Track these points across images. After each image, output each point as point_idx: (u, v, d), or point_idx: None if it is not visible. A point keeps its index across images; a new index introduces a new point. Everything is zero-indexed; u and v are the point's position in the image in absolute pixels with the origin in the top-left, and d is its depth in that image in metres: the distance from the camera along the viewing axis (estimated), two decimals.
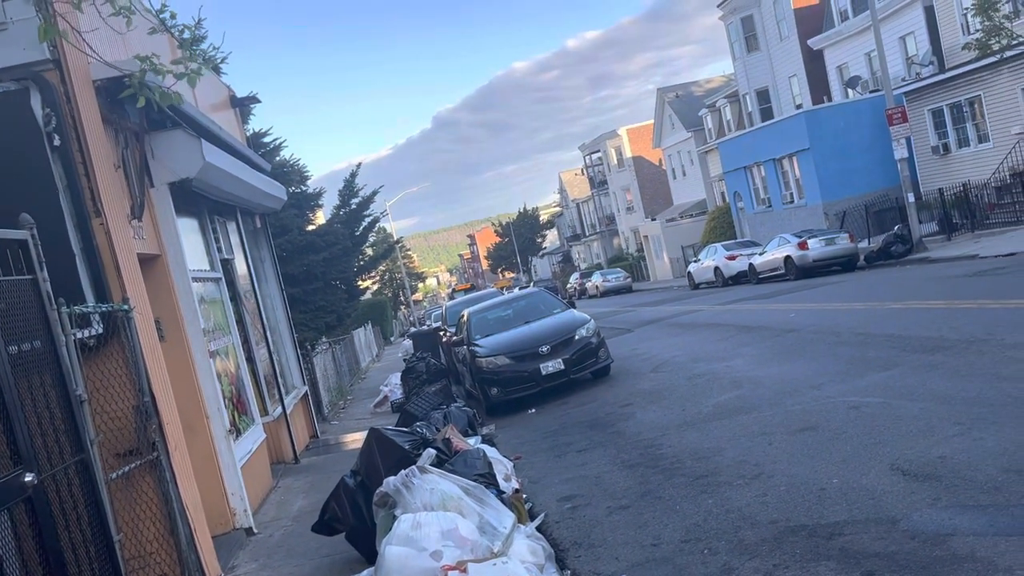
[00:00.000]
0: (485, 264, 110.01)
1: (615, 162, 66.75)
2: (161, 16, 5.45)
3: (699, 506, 5.67)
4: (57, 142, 5.57)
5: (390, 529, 4.54)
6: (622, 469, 7.22)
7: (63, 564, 4.59)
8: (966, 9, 25.19)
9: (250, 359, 10.50)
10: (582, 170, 77.13)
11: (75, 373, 4.63)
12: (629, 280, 48.62)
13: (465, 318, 14.68)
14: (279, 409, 11.09)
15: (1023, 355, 7.56)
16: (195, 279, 8.22)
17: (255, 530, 7.88)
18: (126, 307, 5.54)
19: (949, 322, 10.22)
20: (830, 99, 36.15)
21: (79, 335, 4.96)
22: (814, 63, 37.81)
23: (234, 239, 11.02)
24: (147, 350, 5.90)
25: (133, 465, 5.43)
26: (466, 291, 53.43)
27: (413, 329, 39.48)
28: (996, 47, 21.56)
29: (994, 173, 23.95)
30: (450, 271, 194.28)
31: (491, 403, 12.47)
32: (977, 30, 22.74)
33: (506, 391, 12.30)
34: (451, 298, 47.72)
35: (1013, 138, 23.85)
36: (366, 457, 6.20)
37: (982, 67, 24.04)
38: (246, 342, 10.56)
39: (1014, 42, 21.25)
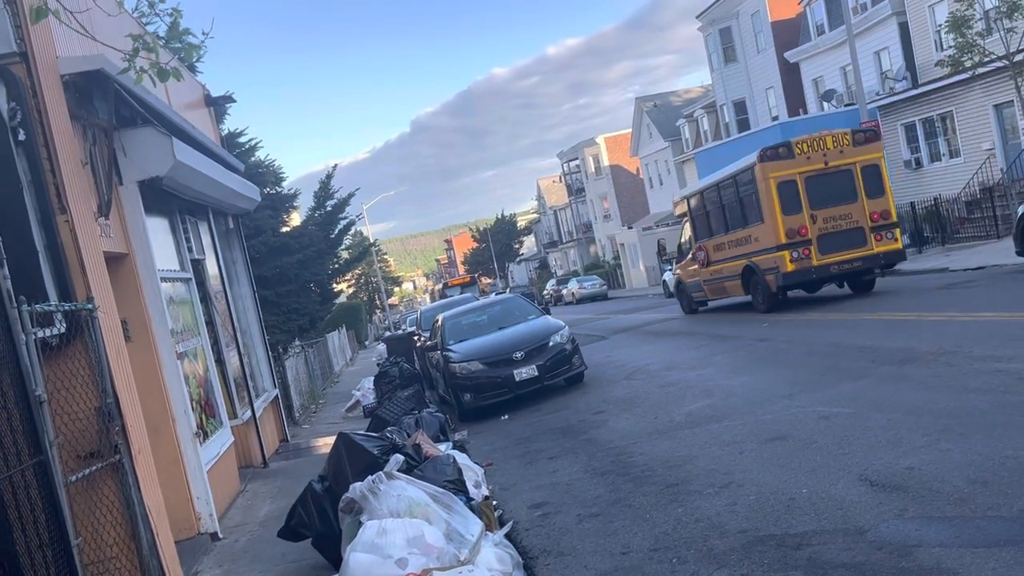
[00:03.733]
0: (462, 269, 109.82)
1: (593, 170, 67.01)
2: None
3: (669, 515, 5.66)
4: (22, 136, 5.45)
5: (355, 536, 4.48)
6: (593, 477, 7.20)
7: (19, 568, 4.48)
8: (940, 26, 25.58)
9: (220, 361, 10.37)
10: (560, 177, 77.33)
11: (35, 373, 4.52)
12: (605, 287, 48.77)
13: (439, 323, 14.61)
14: (248, 412, 10.96)
15: (990, 368, 7.64)
16: (164, 279, 8.10)
17: (220, 535, 7.76)
18: (90, 306, 5.43)
19: (919, 334, 10.32)
20: (806, 111, 36.53)
21: (41, 334, 4.85)
22: (790, 76, 38.23)
23: (205, 239, 10.88)
24: (112, 350, 5.79)
25: (94, 468, 5.31)
26: (463, 286, 45.54)
27: (388, 333, 39.23)
28: (968, 64, 21.90)
29: (964, 188, 24.31)
30: (427, 275, 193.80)
31: (464, 409, 12.41)
32: (950, 47, 23.10)
33: (479, 397, 12.25)
34: (442, 295, 44.04)
35: (983, 154, 24.24)
36: (334, 462, 6.12)
37: (954, 83, 24.41)
38: (216, 344, 10.42)
39: (986, 59, 21.60)
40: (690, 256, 20.53)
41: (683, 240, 21.81)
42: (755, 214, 16.62)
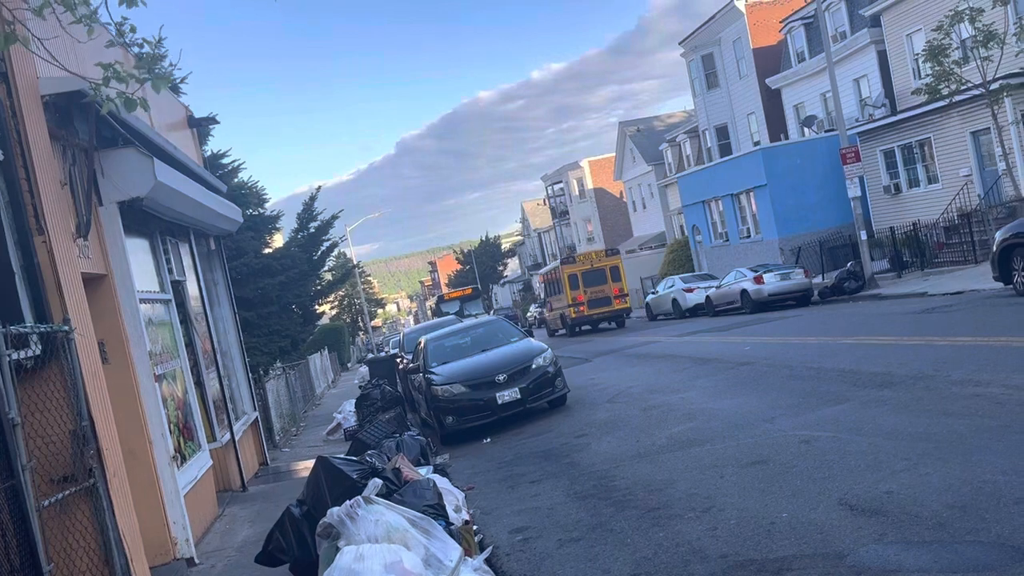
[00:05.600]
0: (446, 291, 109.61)
1: (577, 193, 67.35)
2: (121, 28, 5.33)
3: (650, 539, 5.63)
4: (0, 156, 5.41)
5: (332, 561, 4.42)
6: (575, 501, 7.16)
7: None
8: (917, 55, 26.02)
9: (199, 383, 10.27)
10: (544, 200, 77.66)
11: (8, 395, 4.46)
12: None
13: (422, 345, 14.56)
14: (227, 435, 10.84)
15: (968, 392, 7.70)
16: (143, 300, 8.04)
17: (197, 560, 7.65)
18: (66, 328, 5.37)
19: (898, 358, 10.39)
20: (787, 137, 36.95)
21: (15, 356, 4.79)
22: (772, 101, 38.70)
23: (186, 260, 10.82)
24: (88, 373, 5.72)
25: (68, 492, 5.22)
26: (463, 300, 39.96)
27: (370, 356, 38.90)
28: (945, 92, 22.25)
29: (943, 213, 24.61)
30: (411, 297, 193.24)
31: (446, 432, 12.33)
32: (927, 75, 23.46)
33: (461, 420, 12.18)
34: (437, 312, 40.09)
35: (961, 180, 24.57)
36: (313, 486, 6.06)
37: (932, 111, 24.79)
38: (195, 366, 10.34)
39: (963, 87, 21.96)
40: (546, 305, 37.90)
41: (542, 296, 40.47)
42: (561, 288, 33.16)
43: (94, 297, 6.94)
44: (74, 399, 5.39)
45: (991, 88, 21.25)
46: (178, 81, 15.12)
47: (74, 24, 5.03)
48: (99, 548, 5.42)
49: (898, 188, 28.00)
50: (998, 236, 14.86)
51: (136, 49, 5.13)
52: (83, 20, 4.91)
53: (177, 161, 9.16)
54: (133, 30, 5.26)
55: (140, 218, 8.31)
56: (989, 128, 22.80)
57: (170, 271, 9.68)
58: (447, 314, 36.79)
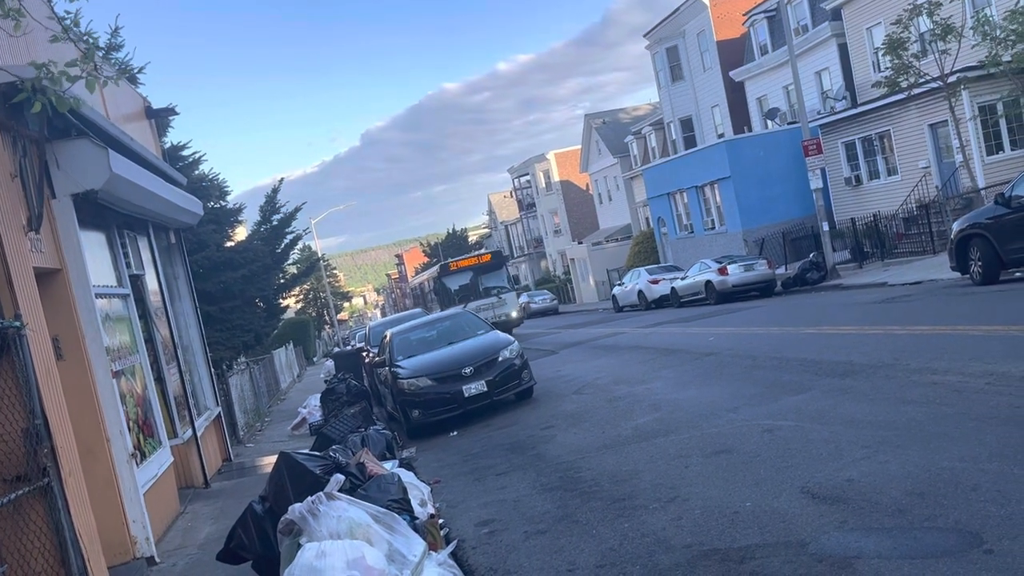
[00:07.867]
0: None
1: (543, 185, 67.41)
2: (65, 23, 5.20)
3: (615, 530, 5.64)
4: None
5: (294, 558, 4.36)
6: (541, 493, 7.16)
7: None
8: (877, 48, 26.37)
9: (159, 379, 10.10)
10: (511, 193, 77.63)
11: None
12: (555, 302, 48.94)
13: (388, 338, 14.46)
14: (189, 431, 10.68)
15: (927, 380, 7.82)
16: (99, 295, 7.86)
17: (157, 559, 7.53)
18: (18, 324, 5.21)
19: (859, 347, 10.53)
20: (750, 129, 37.30)
21: None
22: (735, 94, 39.04)
23: (145, 255, 10.62)
24: (41, 369, 5.57)
25: (21, 492, 5.08)
26: (475, 270, 31.37)
27: (336, 349, 38.52)
28: (904, 85, 22.61)
29: (902, 205, 25.03)
30: (377, 291, 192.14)
31: (412, 425, 12.27)
32: (887, 68, 23.81)
33: (428, 413, 12.12)
34: (439, 290, 32.01)
35: (919, 172, 25.00)
36: (275, 482, 5.96)
37: (891, 103, 25.17)
38: (156, 362, 10.16)
39: (921, 80, 22.31)
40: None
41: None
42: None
43: (48, 292, 6.77)
44: (27, 397, 5.24)
45: (949, 81, 21.62)
46: (136, 71, 14.81)
47: (0, 18, 4.88)
48: (55, 548, 5.28)
49: (859, 180, 28.41)
50: (955, 227, 15.13)
51: (81, 42, 4.99)
52: (10, 14, 4.76)
53: (134, 152, 8.96)
54: (76, 24, 5.12)
55: (96, 211, 8.12)
56: (947, 121, 23.21)
57: (128, 265, 9.49)
58: (454, 292, 30.56)
